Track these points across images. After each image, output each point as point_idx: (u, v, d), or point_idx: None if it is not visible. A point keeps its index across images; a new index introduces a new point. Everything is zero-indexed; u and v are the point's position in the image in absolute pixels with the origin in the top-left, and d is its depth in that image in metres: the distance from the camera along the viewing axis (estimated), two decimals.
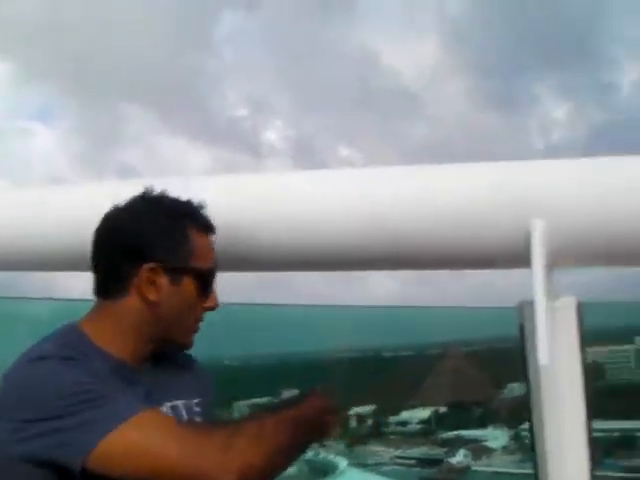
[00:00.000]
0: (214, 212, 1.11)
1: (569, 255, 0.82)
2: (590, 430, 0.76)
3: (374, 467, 29.28)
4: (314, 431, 1.19)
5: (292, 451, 1.17)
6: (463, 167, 0.86)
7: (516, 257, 0.79)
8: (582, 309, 0.78)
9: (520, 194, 0.81)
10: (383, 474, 26.24)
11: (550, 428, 0.73)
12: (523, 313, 0.77)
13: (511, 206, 0.80)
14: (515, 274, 0.85)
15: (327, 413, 1.19)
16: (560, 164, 0.83)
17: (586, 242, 0.80)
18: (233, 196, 1.08)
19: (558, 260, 0.81)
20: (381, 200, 0.84)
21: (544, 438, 0.73)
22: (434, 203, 0.82)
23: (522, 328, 0.77)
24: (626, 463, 32.93)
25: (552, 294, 0.79)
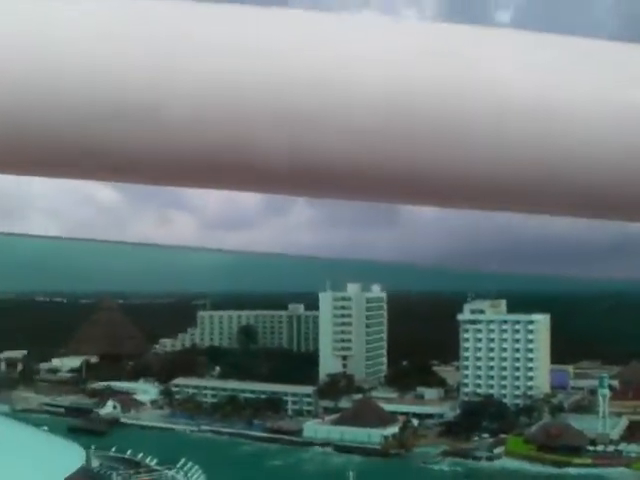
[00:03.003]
0: None
1: None
2: None
3: (21, 413, 27.92)
4: None
5: None
6: None
7: None
8: None
9: None
10: (30, 421, 25.17)
11: None
12: None
13: None
14: None
15: None
16: None
17: None
18: None
19: None
20: None
21: None
22: None
23: None
24: (270, 424, 35.11)
25: None
